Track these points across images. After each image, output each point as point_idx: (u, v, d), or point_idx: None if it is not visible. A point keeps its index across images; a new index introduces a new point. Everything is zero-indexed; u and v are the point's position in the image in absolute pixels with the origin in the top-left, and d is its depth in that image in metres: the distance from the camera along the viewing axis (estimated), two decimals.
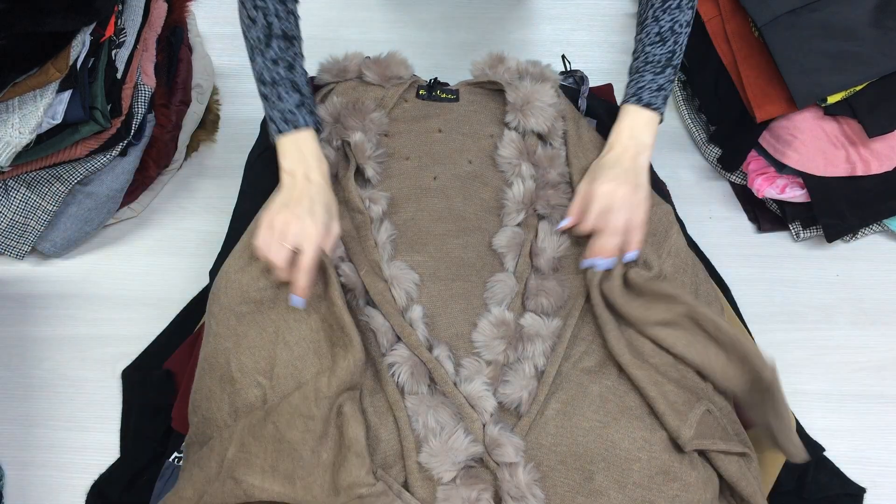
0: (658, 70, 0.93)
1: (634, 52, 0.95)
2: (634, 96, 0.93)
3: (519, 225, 0.95)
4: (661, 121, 0.94)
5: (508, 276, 0.91)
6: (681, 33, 0.93)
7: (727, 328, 0.84)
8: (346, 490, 0.76)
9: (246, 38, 0.92)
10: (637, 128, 0.92)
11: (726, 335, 0.84)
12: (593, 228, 0.89)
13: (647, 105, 0.92)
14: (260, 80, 0.91)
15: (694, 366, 0.85)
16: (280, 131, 0.90)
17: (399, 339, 0.86)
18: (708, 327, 0.85)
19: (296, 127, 0.89)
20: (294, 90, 0.90)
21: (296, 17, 0.93)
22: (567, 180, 0.99)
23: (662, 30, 0.93)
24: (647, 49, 0.93)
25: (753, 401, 0.86)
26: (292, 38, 0.91)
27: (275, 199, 0.89)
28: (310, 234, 0.84)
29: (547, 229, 0.95)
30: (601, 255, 0.88)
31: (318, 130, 0.92)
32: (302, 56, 0.93)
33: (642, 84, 0.92)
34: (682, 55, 0.94)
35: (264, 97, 0.91)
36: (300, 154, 0.89)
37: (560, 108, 1.02)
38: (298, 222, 0.84)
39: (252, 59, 0.92)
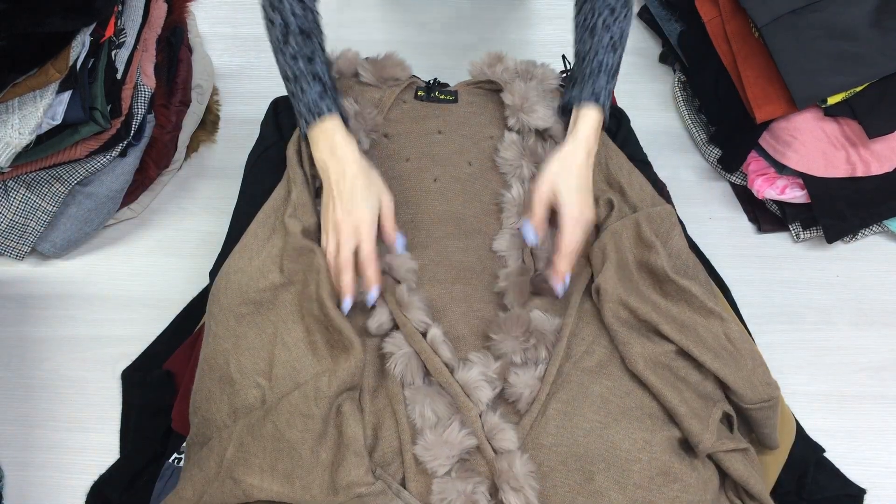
0: (612, 74, 0.94)
1: (585, 54, 0.96)
2: (593, 96, 0.93)
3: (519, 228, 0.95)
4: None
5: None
6: (624, 45, 0.96)
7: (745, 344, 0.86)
8: (345, 489, 0.76)
9: (269, 41, 0.94)
10: (596, 130, 0.93)
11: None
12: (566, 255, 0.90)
13: (603, 106, 0.93)
14: (284, 78, 0.92)
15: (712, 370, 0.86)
16: (308, 124, 0.90)
17: (396, 326, 0.87)
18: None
19: (320, 115, 0.89)
20: (315, 80, 0.90)
21: (314, 13, 0.93)
22: None
23: (614, 38, 0.94)
24: (601, 56, 0.94)
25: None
26: (310, 33, 0.91)
27: (324, 202, 0.89)
28: (362, 223, 0.85)
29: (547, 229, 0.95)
30: (563, 282, 0.89)
31: (343, 117, 0.92)
32: (322, 49, 0.93)
33: (599, 87, 0.93)
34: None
35: (291, 94, 0.92)
36: (330, 145, 0.89)
37: (555, 106, 1.02)
38: (347, 221, 0.85)
39: (276, 60, 0.93)
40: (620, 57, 0.95)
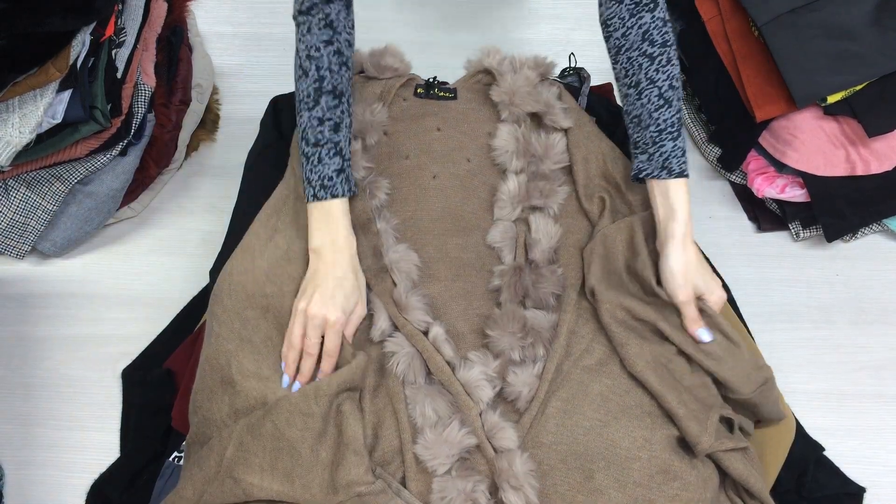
0: (675, 134, 0.88)
1: (639, 121, 0.90)
2: (664, 169, 0.87)
3: (515, 221, 0.95)
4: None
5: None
6: (678, 87, 0.89)
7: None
8: (345, 488, 0.76)
9: (296, 88, 0.90)
10: (686, 198, 0.88)
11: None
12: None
13: (680, 174, 0.88)
14: (304, 139, 0.88)
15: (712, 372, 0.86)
16: (315, 197, 0.87)
17: (396, 328, 0.87)
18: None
19: (333, 196, 0.86)
20: (336, 153, 0.87)
21: (349, 70, 0.90)
22: (563, 167, 0.99)
23: (663, 91, 0.88)
24: (655, 115, 0.88)
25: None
26: (342, 95, 0.88)
27: (304, 282, 0.87)
28: (336, 323, 0.84)
29: (540, 221, 0.94)
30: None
31: (353, 194, 0.90)
32: (349, 113, 0.90)
33: (665, 153, 0.88)
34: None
35: (305, 157, 0.88)
36: (329, 227, 0.87)
37: (554, 91, 1.02)
38: (322, 311, 0.83)
39: (298, 113, 0.89)
40: (679, 107, 0.89)
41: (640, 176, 0.91)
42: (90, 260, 1.27)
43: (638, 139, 0.91)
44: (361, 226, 0.92)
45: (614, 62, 0.93)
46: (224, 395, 0.83)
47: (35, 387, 1.16)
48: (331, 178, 0.87)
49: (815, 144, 1.18)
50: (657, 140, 0.88)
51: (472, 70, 1.06)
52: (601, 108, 1.08)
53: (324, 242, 0.87)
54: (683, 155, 0.89)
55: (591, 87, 1.11)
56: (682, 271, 0.87)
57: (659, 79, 0.88)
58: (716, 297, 0.89)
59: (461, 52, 1.11)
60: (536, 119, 1.02)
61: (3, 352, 1.19)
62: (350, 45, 0.92)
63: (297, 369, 0.84)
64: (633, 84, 0.90)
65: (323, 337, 0.84)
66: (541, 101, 1.00)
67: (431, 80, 1.05)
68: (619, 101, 0.95)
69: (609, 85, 1.22)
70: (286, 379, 0.83)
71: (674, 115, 0.88)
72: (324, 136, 0.87)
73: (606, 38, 0.94)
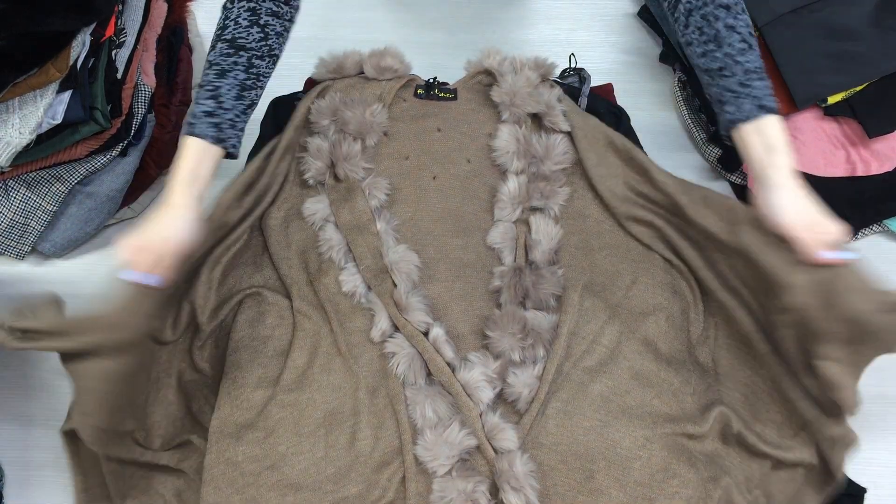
0: (763, 75, 0.87)
1: (722, 71, 0.88)
2: (761, 108, 0.86)
3: (515, 222, 0.95)
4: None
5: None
6: (754, 35, 0.89)
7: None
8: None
9: None
10: (784, 133, 0.86)
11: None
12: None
13: (774, 111, 0.86)
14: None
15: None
16: (182, 133, 0.87)
17: (397, 329, 0.87)
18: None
19: (189, 133, 0.86)
20: (211, 97, 0.87)
21: (264, 35, 0.89)
22: (563, 168, 0.99)
23: (745, 36, 0.87)
24: (740, 59, 0.87)
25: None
26: (240, 49, 0.88)
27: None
28: (167, 242, 0.82)
29: (540, 222, 0.94)
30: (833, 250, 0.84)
31: (226, 150, 0.88)
32: (245, 70, 0.88)
33: (758, 93, 0.86)
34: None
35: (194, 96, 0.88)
36: (180, 164, 0.86)
37: (555, 94, 1.02)
38: (151, 234, 0.82)
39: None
40: (758, 52, 0.87)
41: (734, 127, 0.87)
42: (90, 260, 1.27)
43: (724, 91, 0.88)
44: (361, 226, 0.92)
45: (685, 27, 0.90)
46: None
47: (35, 387, 1.16)
48: (195, 116, 0.86)
49: (816, 145, 1.18)
50: (746, 83, 0.86)
51: (472, 71, 1.06)
52: (601, 108, 1.08)
53: (173, 180, 0.85)
54: (772, 94, 0.87)
55: (592, 87, 1.11)
56: (795, 205, 0.83)
57: (738, 24, 0.87)
58: (835, 230, 0.82)
59: (461, 53, 1.11)
60: (537, 120, 1.02)
61: (3, 352, 1.19)
62: (275, 14, 0.90)
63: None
64: (711, 38, 0.88)
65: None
66: (541, 103, 1.00)
67: (431, 80, 1.05)
68: (693, 63, 0.91)
69: (609, 85, 1.22)
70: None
71: (758, 59, 0.87)
72: (207, 78, 0.87)
73: (672, 9, 0.91)
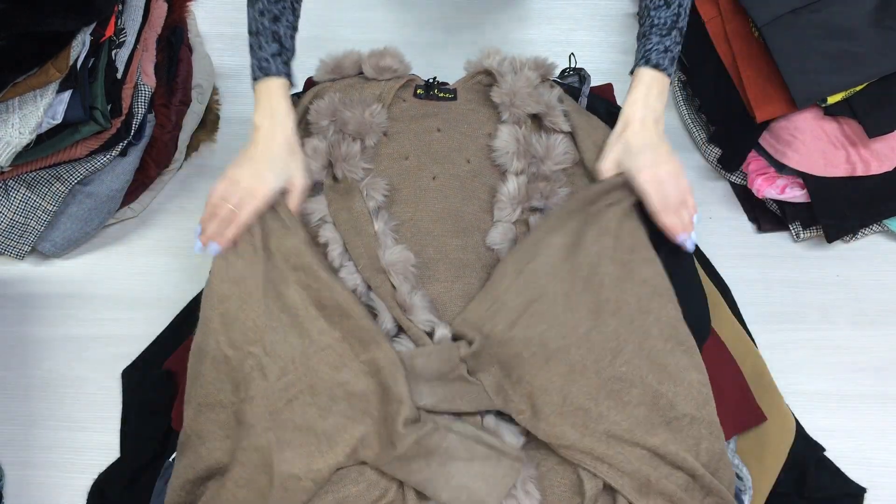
0: (664, 32, 0.93)
1: (640, 20, 0.96)
2: (643, 59, 0.93)
3: (515, 222, 0.94)
4: (670, 82, 0.94)
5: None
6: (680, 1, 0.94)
7: None
8: (401, 439, 0.77)
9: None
10: (651, 96, 0.93)
11: None
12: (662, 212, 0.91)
13: (656, 66, 0.92)
14: (249, 31, 0.95)
15: None
16: (255, 79, 0.93)
17: (401, 329, 0.87)
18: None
19: (267, 75, 0.92)
20: (274, 40, 0.93)
21: None
22: (564, 168, 0.98)
23: None
24: (653, 14, 0.93)
25: None
26: None
27: (242, 153, 0.91)
28: (255, 195, 0.87)
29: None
30: (686, 231, 0.91)
31: (292, 83, 0.95)
32: (292, 12, 0.95)
33: (649, 47, 0.93)
34: (686, 18, 0.95)
35: (250, 47, 0.94)
36: (269, 106, 0.92)
37: (555, 94, 1.02)
38: (249, 181, 0.88)
39: (247, 13, 0.96)
40: (678, 12, 0.93)
41: (630, 74, 0.95)
42: (90, 260, 1.27)
43: (637, 36, 0.96)
44: (359, 227, 0.92)
45: None
46: (220, 374, 0.84)
47: (35, 387, 1.16)
48: (267, 61, 0.92)
49: (816, 145, 1.18)
50: (647, 34, 0.94)
51: (472, 71, 1.06)
52: (601, 108, 1.08)
53: (263, 119, 0.92)
54: (666, 52, 0.93)
55: (591, 87, 1.11)
56: (606, 149, 0.93)
57: None
58: (642, 179, 0.90)
59: (461, 52, 1.11)
60: (537, 120, 1.01)
61: (3, 352, 1.19)
62: None
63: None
64: None
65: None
66: (542, 103, 0.99)
67: (431, 80, 1.05)
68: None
69: (609, 86, 1.22)
70: (198, 244, 0.88)
71: (668, 16, 0.93)
72: (263, 25, 0.93)
73: None
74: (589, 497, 0.77)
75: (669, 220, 0.90)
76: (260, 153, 0.90)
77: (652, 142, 0.91)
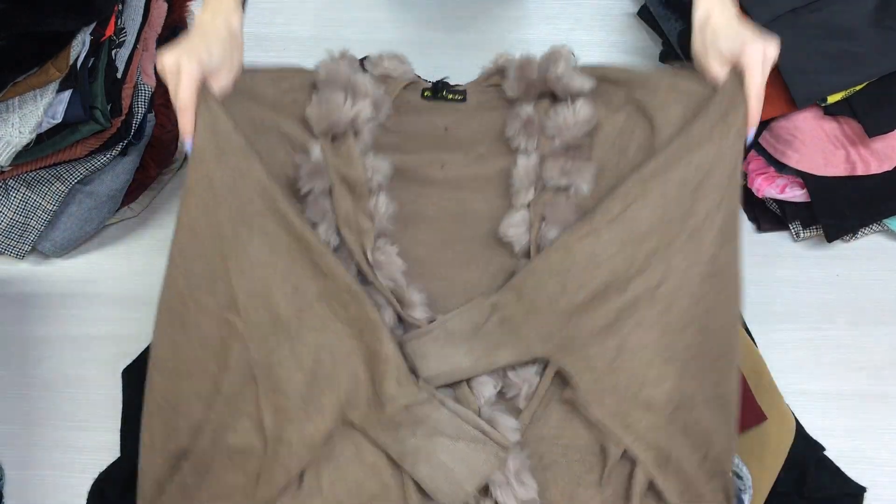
0: None
1: None
2: None
3: (528, 206, 0.90)
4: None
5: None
6: None
7: None
8: (391, 401, 0.76)
9: None
10: None
11: None
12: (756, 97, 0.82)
13: None
14: None
15: None
16: None
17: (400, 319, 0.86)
18: None
19: None
20: None
21: None
22: (585, 133, 0.90)
23: None
24: None
25: None
26: None
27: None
28: (180, 68, 0.80)
29: (552, 212, 0.88)
30: (755, 126, 0.83)
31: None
32: None
33: None
34: None
35: None
36: (217, 3, 0.86)
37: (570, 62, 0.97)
38: (173, 57, 0.80)
39: None
40: None
41: None
42: (90, 260, 1.27)
43: None
44: (357, 228, 0.91)
45: None
46: (191, 339, 0.82)
47: (35, 387, 1.17)
48: None
49: (815, 144, 1.18)
50: None
51: (485, 74, 1.02)
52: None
53: (206, 13, 0.85)
54: None
55: None
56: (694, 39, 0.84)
57: None
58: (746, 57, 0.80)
59: (461, 52, 1.11)
60: (552, 98, 0.96)
61: (3, 352, 1.19)
62: None
63: None
64: None
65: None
66: (552, 76, 0.92)
67: (440, 82, 1.01)
68: None
69: None
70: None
71: None
72: None
73: None
74: (609, 467, 0.78)
75: (755, 106, 0.82)
76: (192, 32, 0.83)
77: (735, 19, 0.84)
